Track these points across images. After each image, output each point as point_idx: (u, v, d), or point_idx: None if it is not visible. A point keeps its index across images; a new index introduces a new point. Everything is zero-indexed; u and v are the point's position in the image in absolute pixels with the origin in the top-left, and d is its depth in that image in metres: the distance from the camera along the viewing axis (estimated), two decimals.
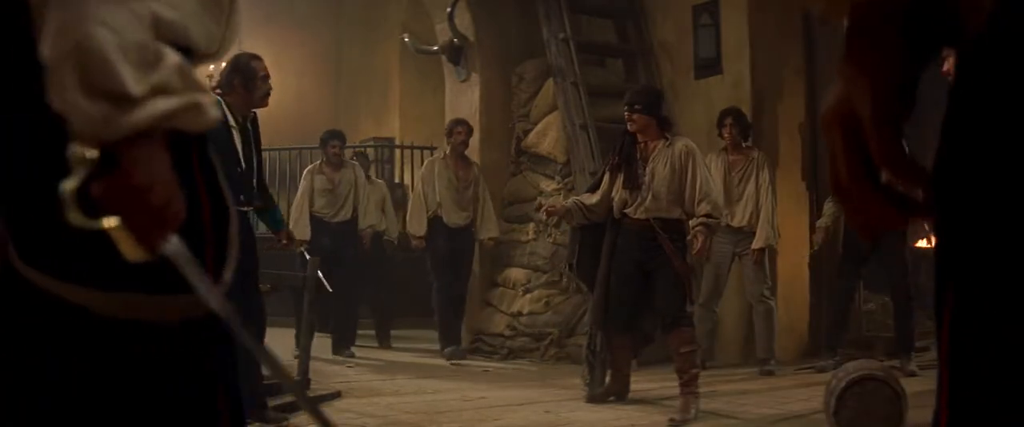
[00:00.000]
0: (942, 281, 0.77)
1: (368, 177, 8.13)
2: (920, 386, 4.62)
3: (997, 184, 0.72)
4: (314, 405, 1.08)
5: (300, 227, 7.07)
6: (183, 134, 1.00)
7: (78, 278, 1.02)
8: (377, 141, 10.78)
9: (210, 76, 6.34)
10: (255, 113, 4.63)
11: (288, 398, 4.78)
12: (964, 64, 0.76)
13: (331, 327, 7.60)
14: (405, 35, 9.17)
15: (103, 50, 0.90)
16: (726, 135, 6.32)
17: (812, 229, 6.61)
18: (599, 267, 5.10)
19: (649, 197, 4.95)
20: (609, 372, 5.24)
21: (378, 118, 11.54)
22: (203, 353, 1.13)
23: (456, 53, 7.96)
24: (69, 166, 0.94)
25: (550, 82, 7.43)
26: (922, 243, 7.18)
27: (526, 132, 7.73)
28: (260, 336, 4.36)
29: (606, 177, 5.16)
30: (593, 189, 5.27)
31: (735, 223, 6.30)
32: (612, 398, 5.19)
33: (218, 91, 4.55)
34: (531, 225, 7.52)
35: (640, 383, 5.42)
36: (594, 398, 5.17)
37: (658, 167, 4.96)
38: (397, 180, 10.25)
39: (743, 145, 6.37)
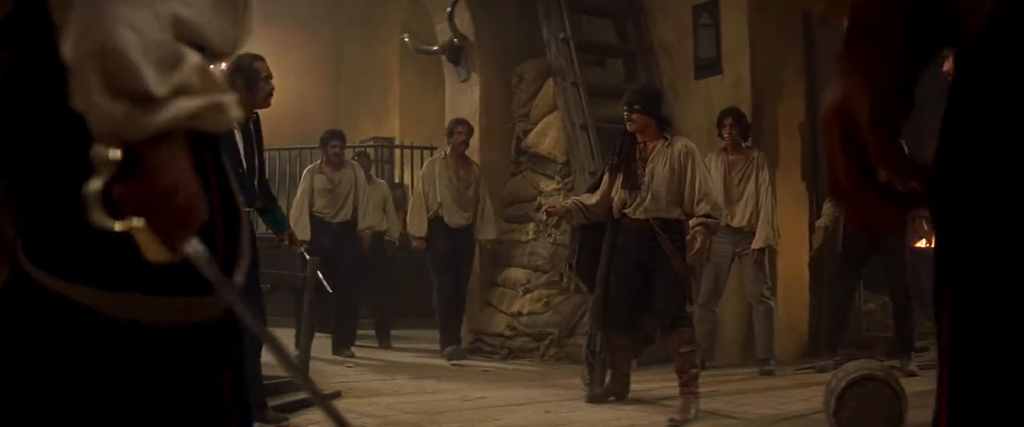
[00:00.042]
0: (941, 281, 0.77)
1: (370, 177, 8.13)
2: (920, 386, 4.62)
3: (996, 184, 0.72)
4: (330, 405, 1.07)
5: (300, 227, 7.07)
6: (197, 135, 1.00)
7: (87, 279, 1.02)
8: (377, 141, 10.78)
9: None
10: (257, 113, 4.64)
11: (288, 398, 4.79)
12: (963, 64, 0.76)
13: (331, 327, 7.60)
14: (405, 35, 9.17)
15: (127, 51, 0.90)
16: (726, 135, 6.32)
17: (812, 229, 6.61)
18: (599, 267, 5.10)
19: (648, 197, 4.95)
20: (609, 372, 5.24)
21: (378, 118, 11.54)
22: (212, 355, 1.13)
23: (456, 53, 7.96)
24: (79, 167, 0.94)
25: (550, 82, 7.43)
26: (922, 243, 7.18)
27: (526, 132, 7.73)
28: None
29: (605, 177, 5.16)
30: (593, 189, 5.27)
31: (735, 223, 6.30)
32: (612, 398, 5.19)
33: None
34: (531, 225, 7.52)
35: (640, 383, 5.42)
36: (594, 398, 5.17)
37: (657, 167, 4.96)
38: (397, 180, 10.25)
39: (743, 145, 6.37)
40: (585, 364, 5.38)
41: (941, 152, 0.76)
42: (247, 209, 4.55)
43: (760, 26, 6.81)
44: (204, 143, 1.06)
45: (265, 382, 4.47)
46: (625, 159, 5.05)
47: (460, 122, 7.40)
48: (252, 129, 4.58)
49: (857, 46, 0.78)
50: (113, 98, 0.90)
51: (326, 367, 6.67)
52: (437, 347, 7.45)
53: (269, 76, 4.63)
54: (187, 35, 0.97)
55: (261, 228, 5.20)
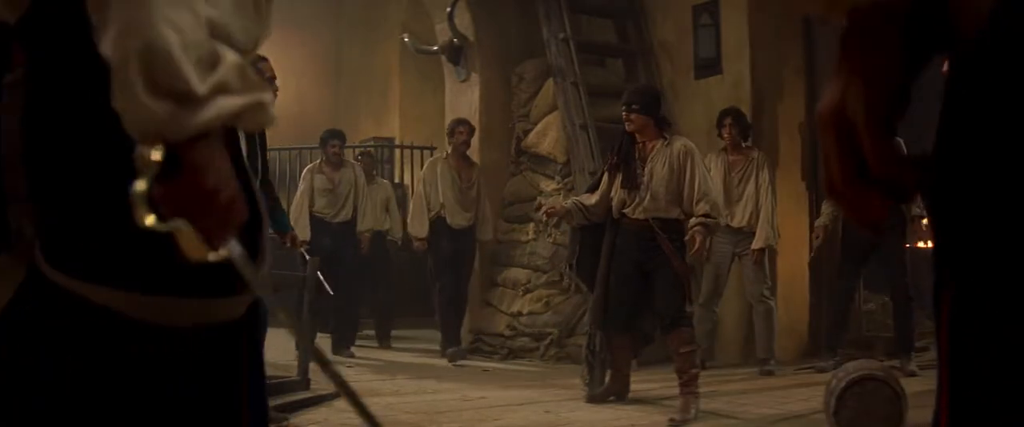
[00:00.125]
0: (940, 281, 0.77)
1: (372, 176, 8.13)
2: (920, 386, 4.62)
3: (995, 184, 0.72)
4: (363, 405, 1.07)
5: (300, 227, 7.05)
6: (225, 136, 0.99)
7: (102, 279, 1.01)
8: (377, 141, 10.77)
9: None
10: None
11: (288, 398, 4.79)
12: (961, 64, 0.76)
13: (331, 327, 7.60)
14: (405, 35, 9.17)
15: (171, 49, 0.89)
16: (726, 135, 6.32)
17: (812, 229, 6.61)
18: (599, 267, 5.10)
19: (648, 197, 4.95)
20: (609, 372, 5.24)
21: (378, 118, 11.53)
22: (229, 357, 1.13)
23: (456, 53, 7.95)
24: (98, 165, 0.93)
25: (550, 82, 7.43)
26: (922, 243, 7.18)
27: (526, 132, 7.73)
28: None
29: (605, 177, 5.16)
30: (592, 189, 5.27)
31: (735, 223, 6.30)
32: (612, 398, 5.19)
33: None
34: (531, 225, 7.52)
35: (640, 383, 5.42)
36: (594, 398, 5.17)
37: (656, 167, 4.96)
38: (397, 180, 10.24)
39: (743, 145, 6.37)
40: (585, 364, 5.38)
41: (938, 152, 0.76)
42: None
43: (760, 26, 6.81)
44: (229, 143, 1.06)
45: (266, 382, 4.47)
46: (624, 159, 5.05)
47: (461, 122, 7.39)
48: (254, 131, 4.57)
49: (856, 47, 0.78)
50: (156, 97, 0.89)
51: None
52: (437, 347, 7.44)
53: (273, 77, 4.62)
54: (217, 34, 0.96)
55: None
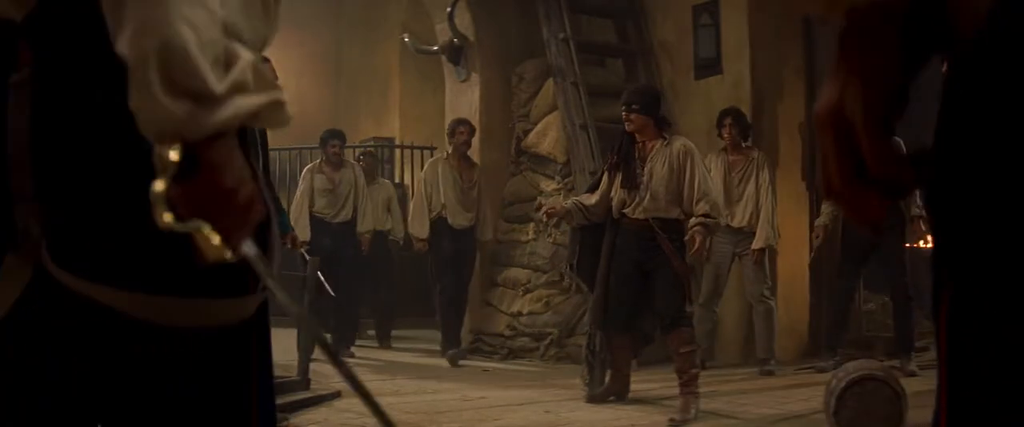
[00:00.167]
0: (939, 281, 0.78)
1: (374, 177, 8.12)
2: (920, 386, 4.62)
3: (993, 184, 0.72)
4: (374, 400, 1.06)
5: (300, 227, 7.05)
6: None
7: (106, 279, 1.01)
8: (377, 141, 10.76)
9: None
10: None
11: (288, 398, 4.79)
12: (960, 64, 0.76)
13: (331, 327, 7.59)
14: (405, 35, 9.16)
15: (187, 48, 0.89)
16: (726, 135, 6.32)
17: (812, 229, 6.61)
18: (599, 267, 5.10)
19: (647, 197, 4.95)
20: (609, 372, 5.24)
21: (378, 118, 11.53)
22: (239, 358, 1.12)
23: (456, 53, 7.95)
24: (105, 165, 0.93)
25: (550, 82, 7.43)
26: (921, 243, 7.18)
27: (526, 132, 7.73)
28: None
29: (605, 177, 5.16)
30: (592, 189, 5.27)
31: (735, 223, 6.30)
32: (612, 398, 5.19)
33: None
34: (531, 225, 7.52)
35: (640, 383, 5.42)
36: (594, 398, 5.17)
37: (656, 167, 4.96)
38: (397, 180, 10.24)
39: (743, 145, 6.37)
40: (585, 364, 5.38)
41: (936, 152, 0.76)
42: None
43: (760, 26, 6.81)
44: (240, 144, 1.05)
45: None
46: (624, 159, 5.05)
47: (462, 122, 7.38)
48: (256, 132, 4.57)
49: (854, 47, 0.78)
50: (174, 96, 0.88)
51: (326, 367, 6.64)
52: (437, 347, 7.44)
53: (275, 77, 4.62)
54: (228, 33, 0.96)
55: None
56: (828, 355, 6.24)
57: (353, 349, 7.53)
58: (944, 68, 0.78)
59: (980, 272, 0.73)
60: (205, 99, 0.90)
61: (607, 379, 5.24)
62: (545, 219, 5.75)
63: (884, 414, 3.95)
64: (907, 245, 6.23)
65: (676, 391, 4.88)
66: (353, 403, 5.20)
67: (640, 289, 5.01)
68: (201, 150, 0.91)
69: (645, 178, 4.96)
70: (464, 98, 8.02)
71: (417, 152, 10.11)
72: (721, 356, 6.67)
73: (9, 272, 1.04)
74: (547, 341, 7.12)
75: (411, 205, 7.75)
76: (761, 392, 5.50)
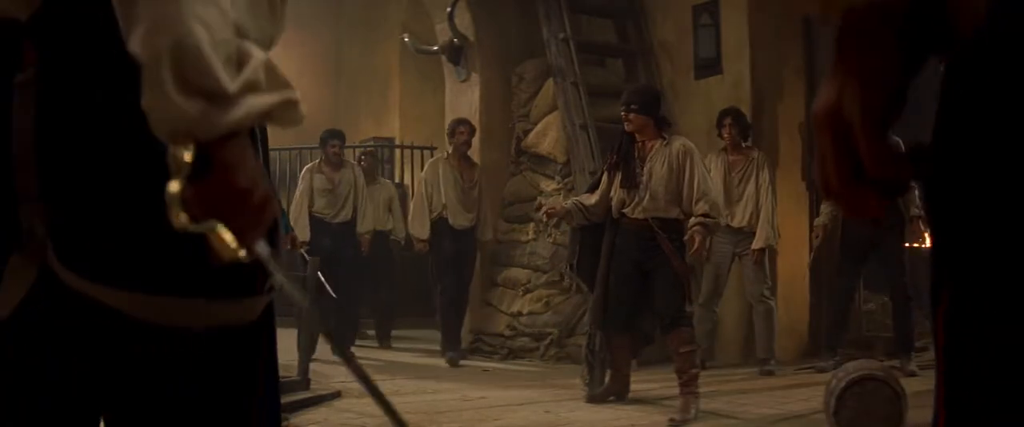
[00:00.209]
0: (937, 281, 0.78)
1: (375, 177, 8.12)
2: (920, 386, 4.62)
3: (992, 184, 0.72)
4: (385, 400, 1.06)
5: (300, 227, 7.05)
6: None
7: (108, 279, 1.01)
8: (377, 141, 10.77)
9: None
10: None
11: (288, 398, 4.79)
12: (959, 64, 0.76)
13: (331, 327, 7.59)
14: (405, 35, 9.17)
15: (200, 47, 0.88)
16: (726, 135, 6.33)
17: (812, 229, 6.61)
18: (598, 267, 5.10)
19: (647, 197, 4.95)
20: (609, 372, 5.24)
21: (378, 118, 11.53)
22: (244, 360, 1.12)
23: (456, 53, 7.95)
24: (109, 165, 0.92)
25: (550, 82, 7.43)
26: (920, 243, 7.18)
27: (526, 132, 7.73)
28: None
29: (605, 177, 5.17)
30: (592, 189, 5.27)
31: (735, 223, 6.30)
32: (612, 398, 5.19)
33: None
34: (531, 225, 7.52)
35: (640, 383, 5.42)
36: (594, 398, 5.17)
37: (656, 167, 4.96)
38: (397, 180, 10.24)
39: (743, 145, 6.37)
40: (585, 364, 5.38)
41: (935, 152, 0.76)
42: None
43: (760, 26, 6.81)
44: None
45: None
46: (624, 159, 5.05)
47: (462, 122, 7.37)
48: (256, 131, 4.57)
49: (852, 48, 0.78)
50: (187, 96, 0.88)
51: (326, 367, 6.66)
52: (437, 347, 7.44)
53: None
54: (238, 33, 0.95)
55: None
56: (828, 355, 6.24)
57: (353, 349, 7.52)
58: (942, 68, 0.78)
59: (979, 272, 0.73)
60: (218, 98, 0.89)
61: (607, 379, 5.24)
62: (545, 219, 5.76)
63: (884, 414, 3.95)
64: (906, 245, 6.23)
65: (676, 391, 4.88)
66: (353, 403, 5.20)
67: (640, 289, 5.01)
68: (214, 150, 0.90)
69: (645, 178, 4.97)
70: (464, 98, 8.02)
71: (417, 152, 10.11)
72: (721, 356, 6.67)
73: (14, 272, 1.04)
74: (547, 341, 7.12)
75: (411, 205, 7.74)
76: (761, 392, 5.50)
